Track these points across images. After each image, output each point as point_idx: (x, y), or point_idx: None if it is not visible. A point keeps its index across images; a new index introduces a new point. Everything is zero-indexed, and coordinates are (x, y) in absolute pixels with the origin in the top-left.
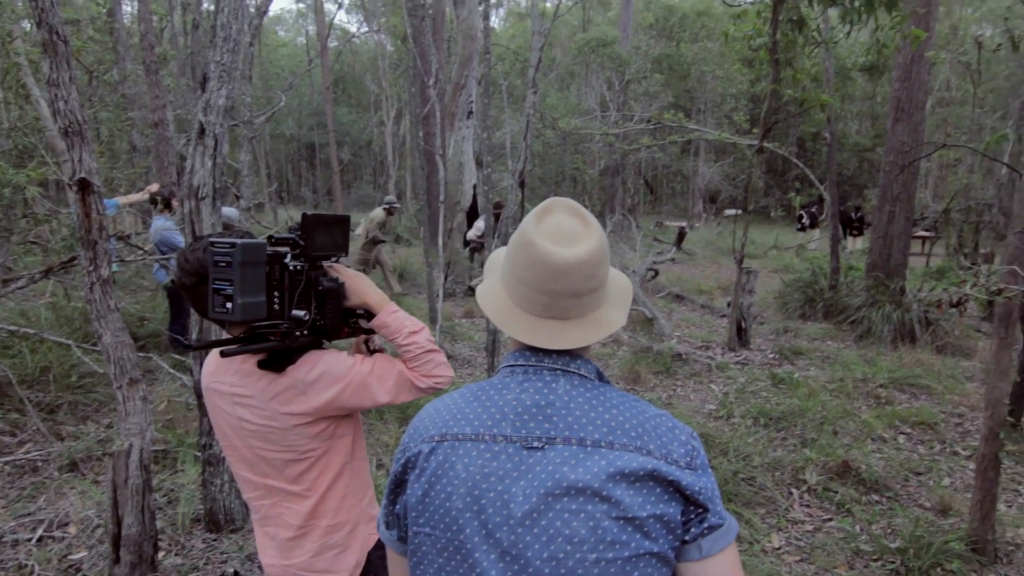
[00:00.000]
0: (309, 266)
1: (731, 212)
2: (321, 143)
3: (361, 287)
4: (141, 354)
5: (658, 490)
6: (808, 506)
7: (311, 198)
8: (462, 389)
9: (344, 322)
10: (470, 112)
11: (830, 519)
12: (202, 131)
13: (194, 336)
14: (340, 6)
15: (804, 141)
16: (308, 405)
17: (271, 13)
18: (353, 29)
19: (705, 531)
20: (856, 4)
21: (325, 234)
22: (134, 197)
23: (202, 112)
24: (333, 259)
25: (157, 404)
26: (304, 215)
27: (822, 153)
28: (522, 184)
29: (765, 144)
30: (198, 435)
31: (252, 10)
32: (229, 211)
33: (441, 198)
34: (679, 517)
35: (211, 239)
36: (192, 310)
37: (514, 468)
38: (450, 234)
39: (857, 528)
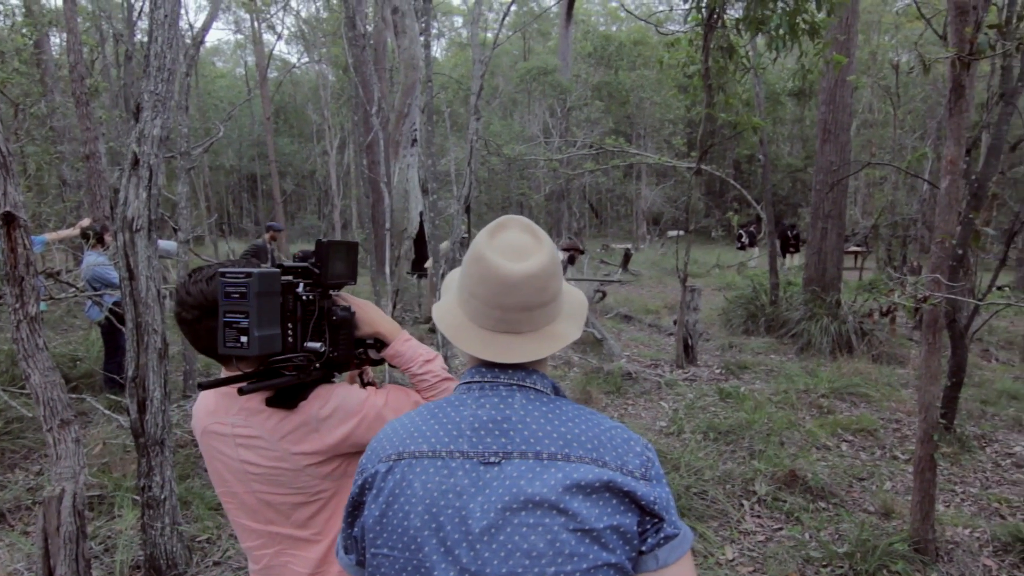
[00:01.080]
0: (322, 296)
1: (674, 233)
2: (263, 174)
3: (372, 316)
4: (74, 395)
5: (614, 501)
6: (759, 516)
7: (253, 230)
8: (420, 408)
9: (354, 353)
10: (414, 140)
11: (780, 528)
12: (136, 162)
13: (130, 373)
14: (279, 37)
15: (740, 163)
16: (322, 443)
17: (209, 44)
18: (293, 60)
19: (661, 541)
20: (781, 32)
21: (339, 261)
22: (64, 233)
23: (136, 143)
24: (345, 288)
25: (91, 447)
26: (319, 242)
27: (757, 174)
28: (468, 210)
29: (702, 166)
30: (136, 477)
31: (188, 40)
32: (167, 244)
33: (387, 226)
34: (635, 528)
35: (220, 269)
36: (126, 347)
37: (471, 484)
38: (397, 262)
39: (806, 536)
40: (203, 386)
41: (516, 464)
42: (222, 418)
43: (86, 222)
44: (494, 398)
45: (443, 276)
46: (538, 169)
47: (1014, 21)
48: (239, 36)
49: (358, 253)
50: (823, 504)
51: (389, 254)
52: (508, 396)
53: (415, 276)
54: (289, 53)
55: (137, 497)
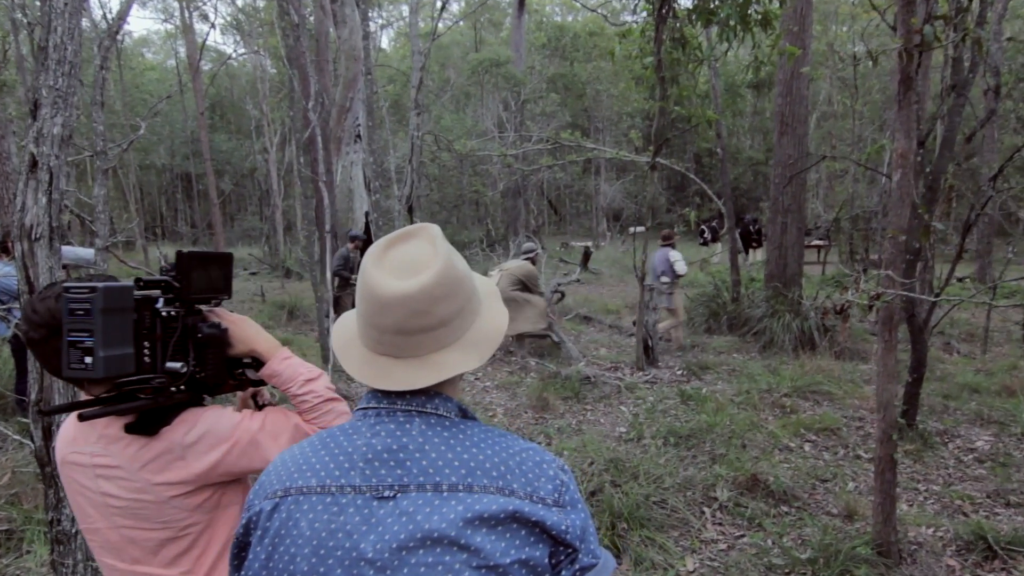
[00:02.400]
0: (186, 311)
1: (637, 229)
2: (198, 173)
3: (248, 333)
4: None
5: (523, 532)
6: (720, 524)
7: (189, 233)
8: (312, 437)
9: (229, 373)
10: (358, 136)
11: (742, 535)
12: (34, 164)
13: (33, 396)
14: (213, 26)
15: (701, 157)
16: (188, 472)
17: (137, 34)
18: (229, 51)
19: (577, 573)
20: (732, 23)
21: (204, 274)
22: None
23: (33, 143)
24: (214, 303)
25: None
26: (179, 253)
27: (719, 168)
28: (411, 210)
29: (660, 161)
30: (45, 511)
31: (103, 29)
32: (84, 252)
33: (328, 227)
34: (546, 560)
35: (66, 284)
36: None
37: (363, 521)
38: None
39: (769, 542)
40: (44, 412)
41: (413, 498)
42: (81, 447)
43: None
44: (390, 425)
45: None
46: (492, 165)
47: (962, 12)
48: (168, 26)
49: (230, 265)
50: (786, 508)
51: (330, 259)
52: (406, 422)
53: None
54: (224, 43)
55: (48, 531)
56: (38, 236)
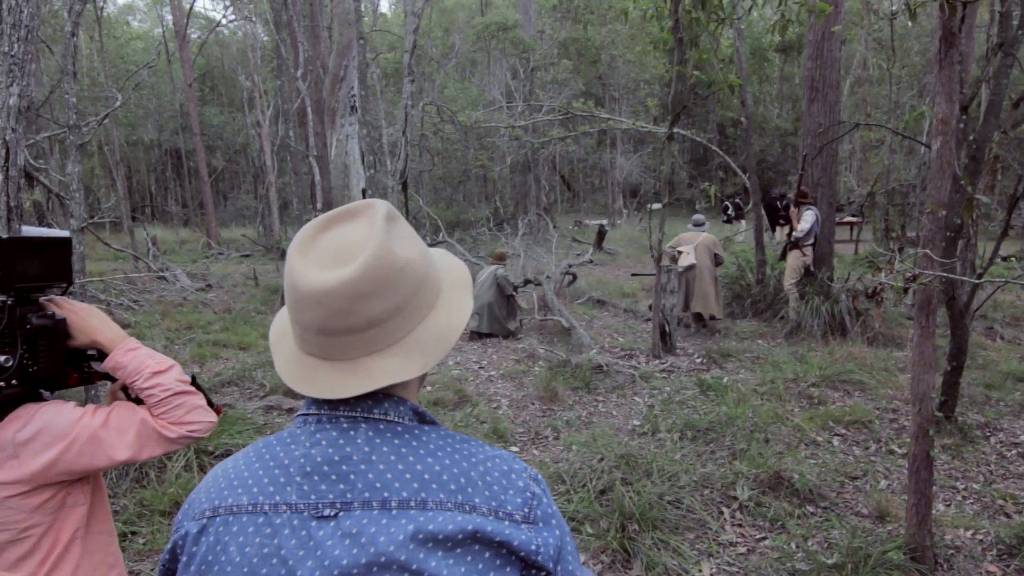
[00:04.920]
0: (15, 301)
1: (655, 206)
2: (188, 149)
3: (89, 323)
4: None
5: (486, 555)
6: (740, 525)
7: (180, 212)
8: (248, 448)
9: (74, 366)
10: (353, 107)
11: (764, 538)
12: None
13: None
14: None
15: (724, 127)
16: (22, 471)
17: (120, 1)
18: (218, 17)
19: None
20: None
21: (33, 261)
22: None
23: None
24: (57, 291)
25: None
26: (0, 239)
27: (743, 139)
28: (404, 186)
29: (679, 131)
30: None
31: None
32: (58, 234)
33: (319, 204)
34: None
35: None
36: None
37: (300, 545)
38: None
39: (792, 545)
40: None
41: (357, 517)
42: None
43: None
44: (332, 432)
45: None
46: (500, 138)
47: None
48: None
49: (68, 250)
50: (811, 508)
51: None
52: (350, 429)
53: None
54: (214, 10)
55: None
56: None
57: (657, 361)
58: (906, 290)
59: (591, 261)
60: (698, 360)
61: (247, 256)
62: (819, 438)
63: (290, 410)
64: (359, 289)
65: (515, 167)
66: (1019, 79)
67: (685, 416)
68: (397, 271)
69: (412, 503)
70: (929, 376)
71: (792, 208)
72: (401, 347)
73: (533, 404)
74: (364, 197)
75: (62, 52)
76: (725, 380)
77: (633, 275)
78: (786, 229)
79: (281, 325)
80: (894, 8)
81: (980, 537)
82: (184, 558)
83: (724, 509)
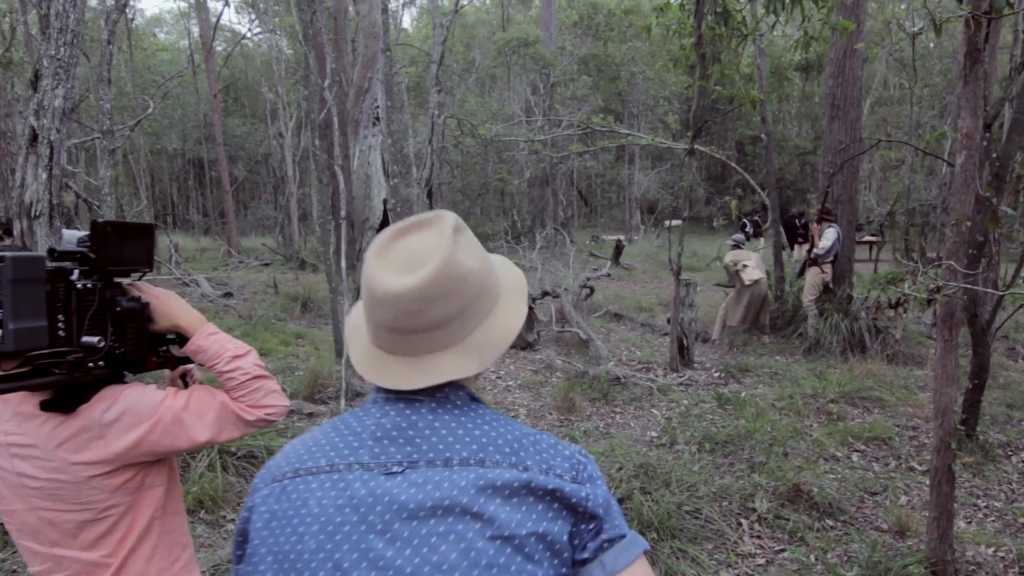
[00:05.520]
0: (104, 284)
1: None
2: (211, 159)
3: (171, 307)
4: None
5: (539, 506)
6: (759, 537)
7: (201, 221)
8: (324, 424)
9: (152, 350)
10: (376, 118)
11: (783, 550)
12: (34, 138)
13: None
14: (227, 4)
15: (743, 145)
16: (107, 451)
17: (149, 13)
18: (244, 30)
19: (604, 545)
20: None
21: (123, 246)
22: None
23: (34, 115)
24: (137, 276)
25: None
26: (94, 223)
27: (762, 157)
28: (430, 194)
29: (701, 148)
30: None
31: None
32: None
33: (343, 214)
34: (565, 539)
35: None
36: None
37: (370, 493)
38: (359, 255)
39: (812, 558)
40: None
41: (422, 471)
42: None
43: None
44: (399, 404)
45: None
46: (519, 151)
47: None
48: (182, 4)
49: (152, 237)
50: (831, 522)
51: (347, 247)
52: (415, 402)
53: None
54: (239, 23)
55: None
56: (37, 213)
57: (675, 374)
58: (929, 302)
59: (608, 275)
60: (716, 374)
61: (267, 265)
62: (838, 453)
63: (311, 414)
64: (426, 294)
65: (533, 181)
66: None
67: (703, 429)
68: (460, 279)
69: (472, 461)
70: (951, 390)
71: (814, 225)
72: (461, 347)
73: (551, 414)
74: (385, 208)
75: (97, 59)
76: (743, 394)
77: (716, 285)
78: (804, 247)
79: (356, 321)
80: (916, 28)
81: (1002, 554)
82: (265, 515)
83: (743, 520)
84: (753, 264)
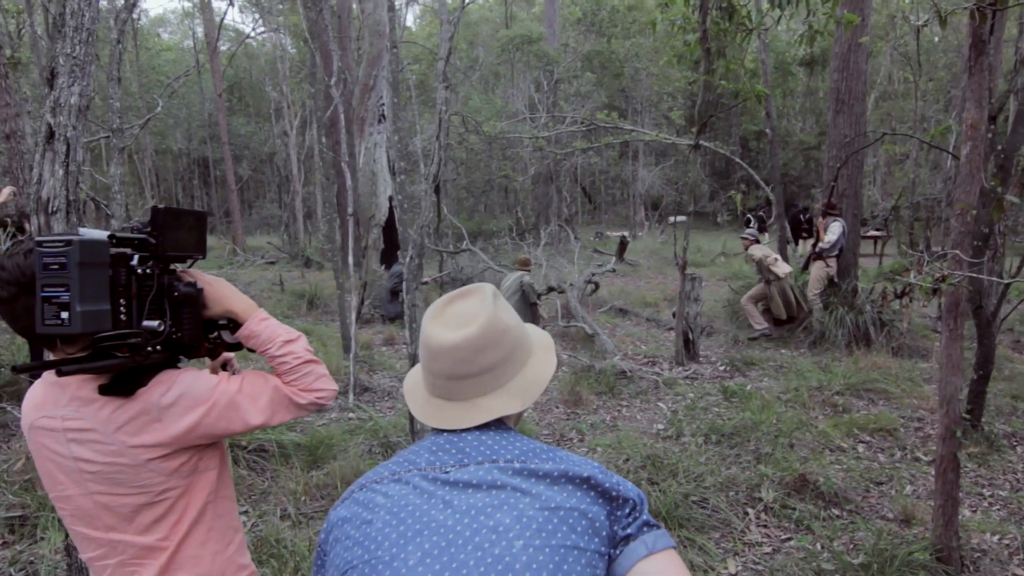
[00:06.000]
0: (161, 269)
1: (678, 219)
2: (216, 158)
3: (224, 293)
4: None
5: (578, 493)
6: (765, 526)
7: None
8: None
9: (204, 336)
10: (382, 116)
11: (789, 538)
12: (51, 134)
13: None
14: (231, 3)
15: (747, 140)
16: (165, 434)
17: (153, 13)
18: (248, 29)
19: (645, 527)
20: None
21: (180, 232)
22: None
23: (50, 113)
24: (188, 263)
25: (13, 462)
26: (155, 208)
27: (766, 152)
28: (437, 190)
29: (705, 143)
30: None
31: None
32: (97, 234)
33: (350, 210)
34: (604, 518)
35: (38, 239)
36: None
37: (430, 484)
38: (365, 252)
39: (818, 546)
40: (17, 369)
41: (473, 468)
42: (51, 411)
43: (7, 191)
44: (452, 434)
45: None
46: (523, 148)
47: None
48: (187, 4)
49: (205, 224)
50: (836, 511)
51: (353, 243)
52: (465, 432)
53: (384, 268)
54: (243, 23)
55: None
56: (55, 209)
57: (680, 368)
58: (935, 291)
59: (614, 270)
60: (721, 368)
61: (272, 263)
62: (844, 444)
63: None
64: (477, 344)
65: (537, 178)
66: None
67: (709, 421)
68: (502, 332)
69: (516, 461)
70: (956, 378)
71: (819, 219)
72: (506, 390)
73: (557, 408)
74: (391, 204)
75: (107, 58)
76: (749, 387)
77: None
78: (809, 242)
79: (412, 380)
80: (920, 22)
81: (1007, 542)
82: (337, 522)
83: (749, 510)
84: (776, 257)
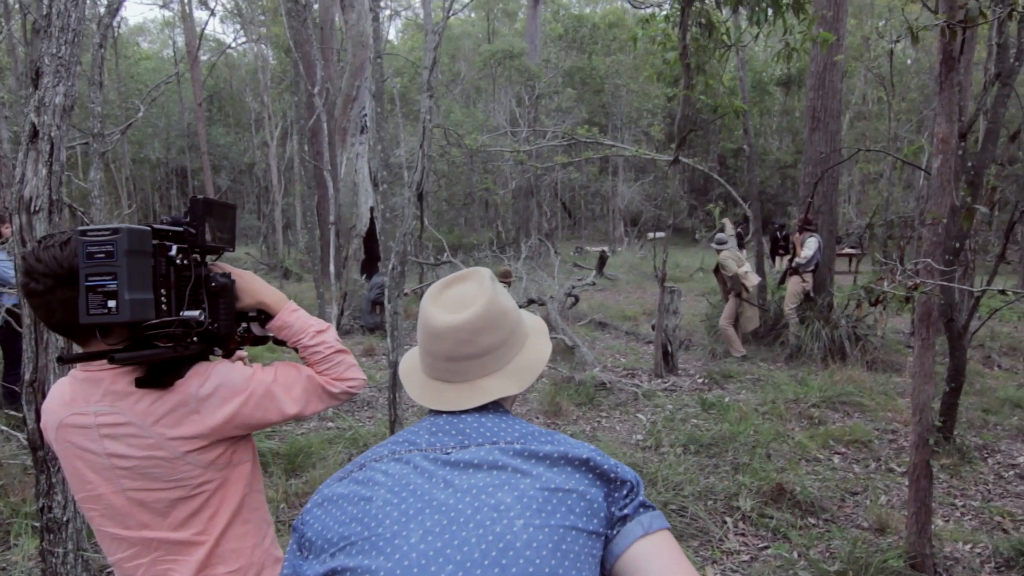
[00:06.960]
0: (198, 261)
1: (657, 235)
2: (194, 168)
3: (254, 285)
4: None
5: (577, 474)
6: (743, 534)
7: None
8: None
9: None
10: (364, 127)
11: (766, 547)
12: (35, 134)
13: (27, 377)
14: (212, 13)
15: (725, 158)
16: (203, 425)
17: (133, 22)
18: (228, 39)
19: (641, 508)
20: (763, 4)
21: (217, 222)
22: None
23: (35, 112)
24: (217, 256)
25: None
26: (194, 198)
27: (744, 170)
28: (420, 198)
29: (684, 159)
30: (35, 498)
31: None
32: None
33: (331, 219)
34: (601, 499)
35: (80, 228)
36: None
37: (431, 463)
38: (346, 262)
39: (795, 554)
40: (64, 360)
41: (474, 449)
42: (82, 407)
43: None
44: (451, 416)
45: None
46: (504, 162)
47: None
48: (166, 13)
49: (236, 216)
50: (813, 520)
51: (334, 254)
52: (464, 414)
53: (365, 279)
54: (224, 33)
55: (36, 523)
56: (37, 208)
57: (659, 380)
58: (907, 299)
59: (593, 283)
60: (699, 380)
61: None
62: (820, 455)
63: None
64: (476, 325)
65: (518, 192)
66: (1015, 116)
67: (688, 432)
68: (501, 314)
69: (516, 443)
70: (929, 387)
71: (796, 235)
72: (504, 372)
73: (537, 418)
74: (372, 215)
75: (89, 63)
76: (726, 399)
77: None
78: (785, 259)
79: (408, 363)
80: (892, 44)
81: (979, 550)
82: (340, 495)
83: (727, 519)
84: (748, 267)
